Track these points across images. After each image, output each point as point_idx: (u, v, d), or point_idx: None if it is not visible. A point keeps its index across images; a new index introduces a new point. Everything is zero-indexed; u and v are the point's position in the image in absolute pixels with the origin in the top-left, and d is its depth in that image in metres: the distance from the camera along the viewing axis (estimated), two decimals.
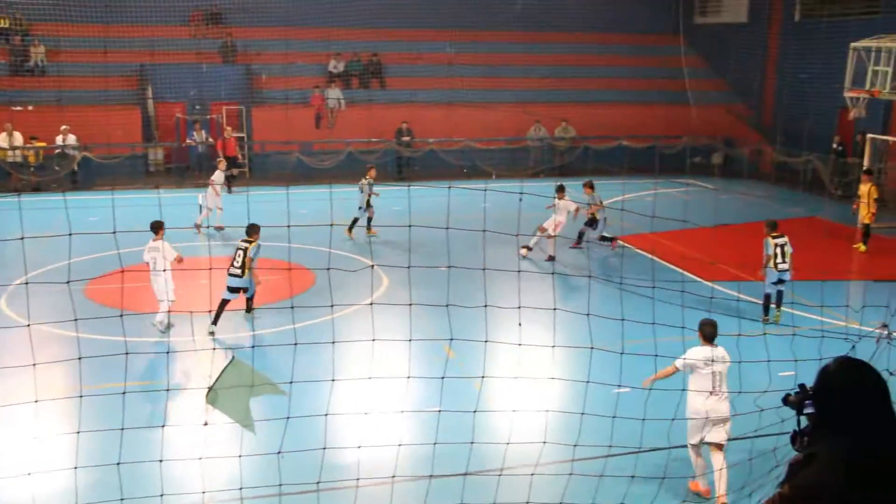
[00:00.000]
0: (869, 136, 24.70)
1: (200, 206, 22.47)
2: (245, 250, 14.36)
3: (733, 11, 36.37)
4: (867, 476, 3.31)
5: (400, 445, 8.26)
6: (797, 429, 3.62)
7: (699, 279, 17.73)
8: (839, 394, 3.43)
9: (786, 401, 3.78)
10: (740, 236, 21.49)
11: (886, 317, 7.47)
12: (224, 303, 14.36)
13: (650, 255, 18.32)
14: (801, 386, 3.68)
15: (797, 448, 3.62)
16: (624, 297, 15.38)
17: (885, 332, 10.04)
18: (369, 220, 21.40)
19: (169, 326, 14.21)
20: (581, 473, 8.57)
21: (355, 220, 21.32)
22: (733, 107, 34.82)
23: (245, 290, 14.70)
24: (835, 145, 29.39)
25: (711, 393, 8.92)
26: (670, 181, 28.95)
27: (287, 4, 30.37)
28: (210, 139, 29.03)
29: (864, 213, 21.08)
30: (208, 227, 21.47)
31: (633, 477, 7.93)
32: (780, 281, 15.14)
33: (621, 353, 7.01)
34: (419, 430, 10.58)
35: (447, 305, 6.88)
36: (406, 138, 30.34)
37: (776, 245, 15.07)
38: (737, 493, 8.55)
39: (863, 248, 21.16)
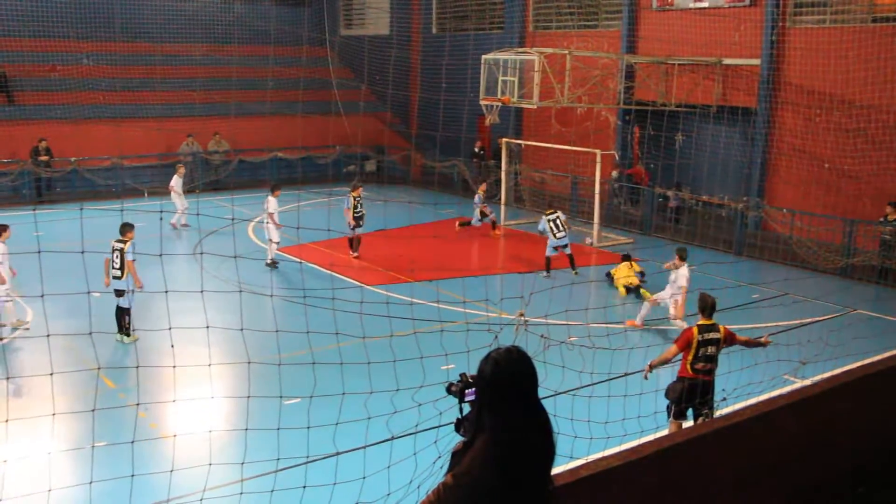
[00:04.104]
0: (504, 140, 26.76)
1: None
2: (122, 251, 14.18)
3: (376, 24, 37.75)
4: (515, 459, 3.49)
5: (50, 490, 7.59)
6: (460, 416, 3.75)
7: (360, 284, 18.07)
8: (497, 381, 3.55)
9: (449, 390, 3.89)
10: (396, 240, 22.34)
11: (522, 306, 8.10)
12: (120, 310, 14.27)
13: (308, 264, 18.43)
14: (462, 375, 3.80)
15: (462, 434, 3.73)
16: (281, 306, 15.39)
17: (523, 320, 10.99)
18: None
19: None
20: (251, 491, 8.40)
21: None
22: (382, 116, 36.12)
23: (123, 293, 14.28)
24: (476, 149, 31.59)
25: None
26: (325, 191, 29.31)
27: None
28: None
29: None
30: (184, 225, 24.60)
31: (304, 487, 7.89)
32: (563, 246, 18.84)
33: (279, 365, 6.97)
34: (75, 469, 9.81)
35: (90, 333, 6.43)
36: (44, 158, 27.95)
37: (549, 220, 18.84)
38: (405, 487, 8.79)
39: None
